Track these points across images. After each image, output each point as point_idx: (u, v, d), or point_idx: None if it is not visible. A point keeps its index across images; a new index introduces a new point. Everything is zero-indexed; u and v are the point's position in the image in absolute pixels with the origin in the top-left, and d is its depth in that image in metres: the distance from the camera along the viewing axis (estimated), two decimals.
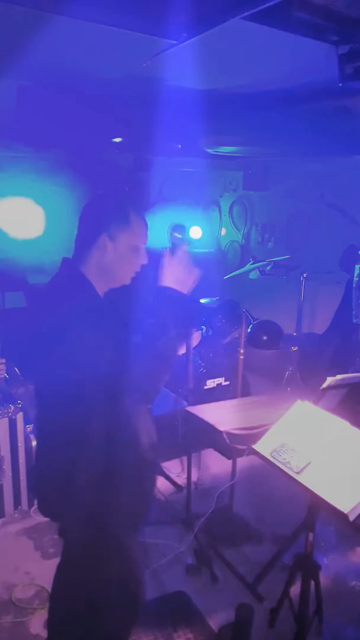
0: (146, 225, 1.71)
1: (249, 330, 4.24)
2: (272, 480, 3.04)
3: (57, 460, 1.66)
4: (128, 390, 1.55)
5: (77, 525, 1.66)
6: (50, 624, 2.05)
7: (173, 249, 1.67)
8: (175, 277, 1.63)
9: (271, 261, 4.52)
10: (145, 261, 1.70)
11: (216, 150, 4.28)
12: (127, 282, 1.72)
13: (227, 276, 4.46)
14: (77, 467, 1.59)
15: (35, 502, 3.29)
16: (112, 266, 1.67)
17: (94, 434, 1.57)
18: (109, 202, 1.71)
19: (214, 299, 5.33)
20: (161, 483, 3.53)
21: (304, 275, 4.48)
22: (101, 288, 1.67)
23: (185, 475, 3.28)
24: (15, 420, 3.13)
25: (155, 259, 1.67)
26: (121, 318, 1.64)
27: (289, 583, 2.19)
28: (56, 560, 2.88)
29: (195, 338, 4.38)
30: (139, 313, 1.62)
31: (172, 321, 1.56)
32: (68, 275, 1.68)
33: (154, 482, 1.89)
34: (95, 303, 1.64)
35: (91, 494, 1.61)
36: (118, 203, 1.70)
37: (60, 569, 1.97)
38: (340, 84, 2.28)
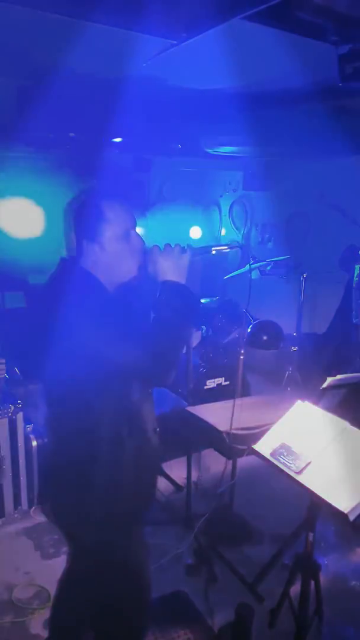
0: (124, 209, 1.68)
1: (249, 330, 4.24)
2: (272, 481, 3.05)
3: (69, 455, 1.67)
4: (137, 373, 1.61)
5: (86, 522, 1.66)
6: (52, 624, 2.06)
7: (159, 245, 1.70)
8: (170, 268, 1.66)
9: (271, 261, 4.52)
10: (141, 244, 1.70)
11: (216, 150, 4.28)
12: (134, 271, 1.71)
13: (227, 276, 4.46)
14: (89, 456, 1.61)
15: (35, 501, 3.29)
16: (108, 263, 1.66)
17: (104, 421, 1.60)
18: (77, 206, 1.69)
19: (214, 299, 5.33)
20: (161, 483, 3.53)
21: (304, 275, 4.48)
22: (109, 284, 1.68)
23: (185, 475, 3.28)
24: (15, 420, 3.13)
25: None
26: (131, 311, 1.68)
27: (289, 583, 2.19)
28: (56, 560, 2.91)
29: (195, 338, 4.37)
30: (147, 307, 1.64)
31: (174, 311, 1.60)
32: (71, 273, 1.68)
33: (158, 468, 1.91)
34: (102, 294, 1.65)
35: (100, 484, 1.62)
36: (85, 203, 1.68)
37: (66, 572, 1.97)
38: (340, 84, 2.28)
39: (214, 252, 1.82)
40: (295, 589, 2.14)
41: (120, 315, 1.60)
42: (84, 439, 1.62)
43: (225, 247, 1.90)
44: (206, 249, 1.81)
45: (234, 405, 2.41)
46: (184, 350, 1.72)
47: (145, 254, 1.70)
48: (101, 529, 1.65)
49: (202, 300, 5.38)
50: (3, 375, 3.37)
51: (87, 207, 1.66)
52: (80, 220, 1.66)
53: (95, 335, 1.49)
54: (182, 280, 1.67)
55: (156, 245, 1.69)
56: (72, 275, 1.67)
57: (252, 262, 4.33)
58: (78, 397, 1.57)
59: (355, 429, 1.76)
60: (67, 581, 1.99)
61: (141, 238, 1.71)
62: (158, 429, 1.79)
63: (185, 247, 1.71)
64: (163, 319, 1.59)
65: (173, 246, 1.69)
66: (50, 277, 1.72)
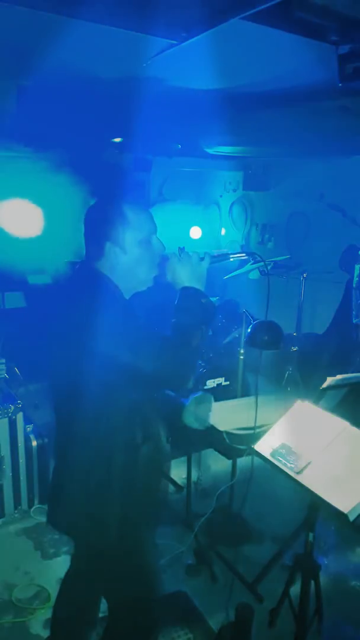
0: (148, 214, 1.70)
1: (249, 330, 4.24)
2: (272, 481, 3.04)
3: (78, 460, 1.65)
4: (156, 378, 1.60)
5: (97, 527, 1.65)
6: (54, 624, 2.05)
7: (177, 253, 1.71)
8: (188, 274, 1.68)
9: (271, 261, 4.52)
10: (163, 250, 1.70)
11: (216, 150, 4.28)
12: (151, 281, 1.72)
13: (227, 276, 4.45)
14: (100, 462, 1.60)
15: (36, 502, 3.29)
16: (129, 268, 1.66)
17: (119, 426, 1.59)
18: (101, 209, 1.70)
19: (214, 299, 5.32)
20: None
21: (304, 275, 4.48)
22: (126, 290, 1.68)
23: (185, 475, 3.28)
24: (15, 420, 3.13)
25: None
26: (146, 318, 1.68)
27: (289, 583, 2.19)
28: (56, 561, 2.90)
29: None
30: (164, 314, 1.64)
31: (193, 317, 1.63)
32: (88, 277, 1.67)
33: (167, 476, 1.91)
34: (120, 299, 1.65)
35: (112, 490, 1.61)
36: (109, 206, 1.68)
37: (70, 573, 1.96)
38: (340, 84, 2.28)
39: (232, 259, 1.84)
40: (295, 589, 2.14)
41: (138, 322, 1.60)
42: (97, 445, 1.60)
43: (243, 255, 1.92)
44: (225, 257, 1.82)
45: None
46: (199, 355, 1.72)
47: (164, 261, 1.70)
48: (110, 533, 1.64)
49: (203, 300, 5.36)
50: (3, 375, 3.37)
51: (113, 210, 1.65)
52: (105, 223, 1.65)
53: (114, 341, 1.48)
54: (201, 286, 1.69)
55: (174, 252, 1.70)
56: (89, 278, 1.66)
57: (251, 262, 4.31)
58: (93, 403, 1.55)
59: (355, 429, 1.76)
60: (71, 582, 1.99)
61: (162, 243, 1.71)
62: (170, 438, 1.79)
63: (204, 255, 1.72)
64: (182, 324, 1.61)
65: (191, 253, 1.70)
66: (68, 279, 1.71)
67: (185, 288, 1.67)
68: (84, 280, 1.68)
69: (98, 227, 1.67)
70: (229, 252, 1.83)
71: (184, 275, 1.68)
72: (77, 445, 1.66)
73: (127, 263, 1.65)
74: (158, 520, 1.83)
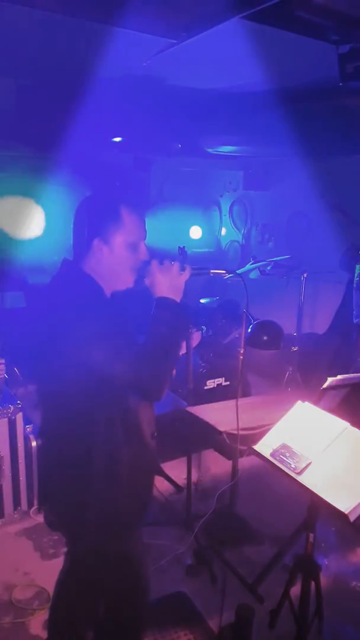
0: (141, 219, 1.68)
1: (249, 330, 4.24)
2: (272, 481, 3.04)
3: (63, 458, 1.66)
4: (131, 387, 1.59)
5: (85, 525, 1.65)
6: (51, 625, 2.05)
7: (159, 259, 1.69)
8: (167, 284, 1.64)
9: (271, 261, 4.52)
10: (146, 257, 1.68)
11: (216, 149, 4.28)
12: (131, 283, 1.70)
13: (228, 276, 4.45)
14: (83, 460, 1.60)
15: (36, 502, 3.28)
16: (111, 268, 1.65)
17: (98, 425, 1.59)
18: (96, 204, 1.68)
19: (214, 299, 5.32)
20: (161, 483, 3.53)
21: (304, 275, 4.47)
22: (106, 289, 1.66)
23: (185, 476, 3.28)
24: (14, 420, 3.12)
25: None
26: (126, 319, 1.66)
27: (289, 584, 2.18)
28: (56, 561, 2.89)
29: (195, 338, 4.37)
30: (143, 320, 1.62)
31: (169, 328, 1.59)
32: (72, 276, 1.67)
33: (155, 471, 1.90)
34: (103, 301, 1.64)
35: (98, 488, 1.61)
36: (105, 203, 1.67)
37: (64, 573, 1.97)
38: (340, 84, 2.28)
39: (211, 274, 1.83)
40: (295, 590, 2.14)
41: (116, 322, 1.59)
42: (78, 443, 1.60)
43: (224, 272, 1.91)
44: (204, 270, 1.80)
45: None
46: (174, 371, 1.70)
47: (145, 266, 1.68)
48: (99, 532, 1.65)
49: (202, 300, 5.37)
50: (3, 376, 3.37)
51: (109, 208, 1.64)
52: (98, 219, 1.63)
53: (91, 341, 1.48)
54: (178, 298, 1.65)
55: (155, 260, 1.67)
56: (73, 277, 1.65)
57: (252, 261, 4.30)
58: (72, 401, 1.56)
59: (355, 429, 1.76)
60: (66, 582, 1.99)
61: (147, 252, 1.69)
62: (156, 434, 1.78)
63: (185, 265, 1.68)
64: (156, 335, 1.57)
65: (172, 263, 1.67)
66: (51, 278, 1.71)
67: (160, 298, 1.63)
68: (69, 280, 1.66)
69: (89, 222, 1.65)
70: (209, 268, 1.81)
71: (162, 284, 1.64)
72: (59, 443, 1.67)
73: (111, 263, 1.64)
74: (145, 517, 1.82)
